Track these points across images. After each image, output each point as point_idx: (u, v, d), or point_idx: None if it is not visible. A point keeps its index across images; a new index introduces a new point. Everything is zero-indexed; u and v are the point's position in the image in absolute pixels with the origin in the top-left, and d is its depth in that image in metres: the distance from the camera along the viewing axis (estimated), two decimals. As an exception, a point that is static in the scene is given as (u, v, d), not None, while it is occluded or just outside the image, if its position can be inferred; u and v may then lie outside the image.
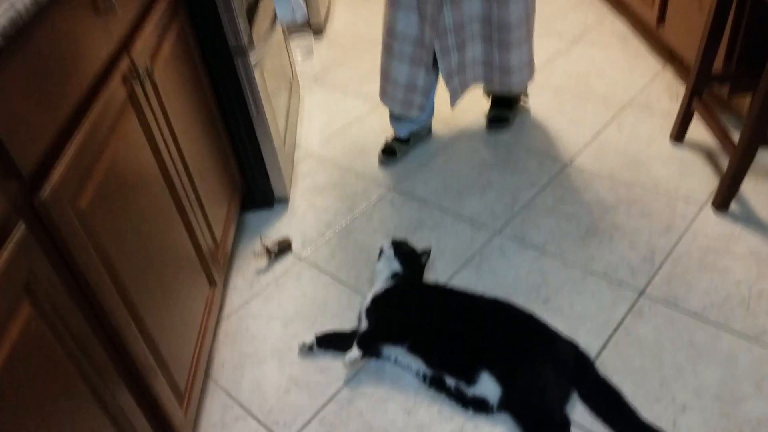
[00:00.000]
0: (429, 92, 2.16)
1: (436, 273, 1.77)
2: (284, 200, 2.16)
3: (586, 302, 1.61)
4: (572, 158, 2.16)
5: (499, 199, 2.02)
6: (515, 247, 1.82)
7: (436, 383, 1.43)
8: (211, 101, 1.81)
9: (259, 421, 1.45)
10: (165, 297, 1.26)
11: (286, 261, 1.91)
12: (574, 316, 1.57)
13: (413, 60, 2.04)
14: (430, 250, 1.70)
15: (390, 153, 2.27)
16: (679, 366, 1.40)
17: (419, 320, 1.50)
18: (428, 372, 1.44)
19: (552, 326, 1.47)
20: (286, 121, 2.27)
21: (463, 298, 1.58)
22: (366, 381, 1.50)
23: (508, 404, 1.34)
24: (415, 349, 1.46)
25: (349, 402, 1.45)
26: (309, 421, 1.42)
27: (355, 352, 1.50)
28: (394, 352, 1.51)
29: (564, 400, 1.35)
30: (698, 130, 2.18)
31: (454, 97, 2.18)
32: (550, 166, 2.14)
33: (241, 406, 1.49)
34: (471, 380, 1.37)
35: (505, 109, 2.37)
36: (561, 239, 1.82)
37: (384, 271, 1.66)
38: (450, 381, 1.40)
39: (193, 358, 1.40)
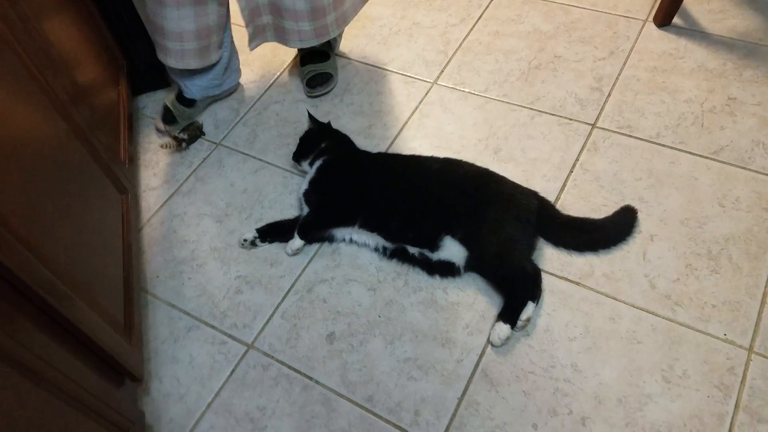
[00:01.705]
0: (226, 24, 1.57)
1: (376, 139, 1.60)
2: (183, 77, 1.84)
3: (539, 145, 1.51)
4: (502, -15, 1.94)
5: (429, 44, 1.81)
6: (455, 97, 1.66)
7: (398, 254, 1.33)
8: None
9: (214, 327, 1.31)
10: (70, 220, 1.03)
11: (201, 148, 1.66)
12: (528, 161, 1.48)
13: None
14: (328, 123, 1.53)
15: (170, 119, 1.68)
16: (641, 196, 1.37)
17: (366, 194, 1.35)
18: (388, 245, 1.33)
19: (508, 179, 1.37)
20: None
21: (410, 162, 1.44)
22: (322, 267, 1.37)
23: (476, 265, 1.27)
24: (368, 226, 1.33)
25: (308, 291, 1.34)
26: (270, 318, 1.31)
27: (296, 241, 1.37)
28: (346, 233, 1.38)
29: (531, 250, 1.30)
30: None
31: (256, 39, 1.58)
32: (480, -2, 1.92)
33: (190, 315, 1.34)
34: (434, 247, 1.27)
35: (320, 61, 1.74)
36: (503, 80, 1.67)
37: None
38: (413, 250, 1.31)
39: (124, 279, 1.21)
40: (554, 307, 1.23)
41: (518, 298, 1.20)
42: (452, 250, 1.26)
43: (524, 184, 1.39)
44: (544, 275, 1.27)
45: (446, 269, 1.30)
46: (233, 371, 1.24)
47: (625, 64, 1.64)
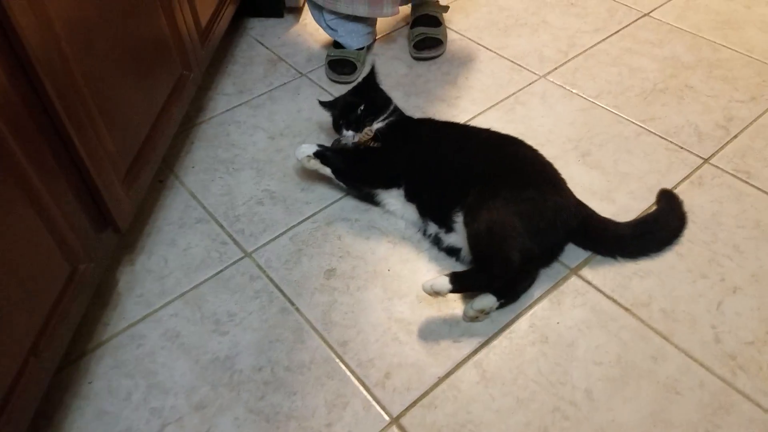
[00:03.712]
0: None
1: (457, 109, 1.47)
2: (296, 10, 1.84)
3: (635, 162, 1.30)
4: (652, 8, 1.76)
5: (552, 42, 1.67)
6: (560, 94, 1.49)
7: (422, 231, 1.19)
8: None
9: (222, 226, 1.23)
10: (114, 56, 0.99)
11: (286, 74, 1.62)
12: (617, 173, 1.28)
13: None
14: (372, 67, 1.32)
15: (345, 65, 1.59)
16: (737, 245, 1.12)
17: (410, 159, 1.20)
18: (419, 224, 1.19)
19: (565, 184, 1.14)
20: None
21: (463, 133, 1.26)
22: (351, 206, 1.25)
23: (466, 235, 1.06)
24: (408, 194, 1.19)
25: (327, 223, 1.22)
26: (278, 236, 1.20)
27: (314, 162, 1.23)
28: (388, 197, 1.22)
29: (537, 257, 1.05)
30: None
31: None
32: (624, 14, 1.75)
33: (205, 209, 1.27)
34: (450, 228, 1.11)
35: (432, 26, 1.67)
36: (620, 93, 1.48)
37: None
38: (431, 229, 1.15)
39: (147, 137, 1.15)
40: (589, 325, 1.01)
41: (484, 275, 1.00)
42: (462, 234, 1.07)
43: (606, 195, 1.20)
44: (592, 291, 1.06)
45: (451, 252, 1.13)
46: (221, 271, 1.15)
47: (764, 113, 1.40)
